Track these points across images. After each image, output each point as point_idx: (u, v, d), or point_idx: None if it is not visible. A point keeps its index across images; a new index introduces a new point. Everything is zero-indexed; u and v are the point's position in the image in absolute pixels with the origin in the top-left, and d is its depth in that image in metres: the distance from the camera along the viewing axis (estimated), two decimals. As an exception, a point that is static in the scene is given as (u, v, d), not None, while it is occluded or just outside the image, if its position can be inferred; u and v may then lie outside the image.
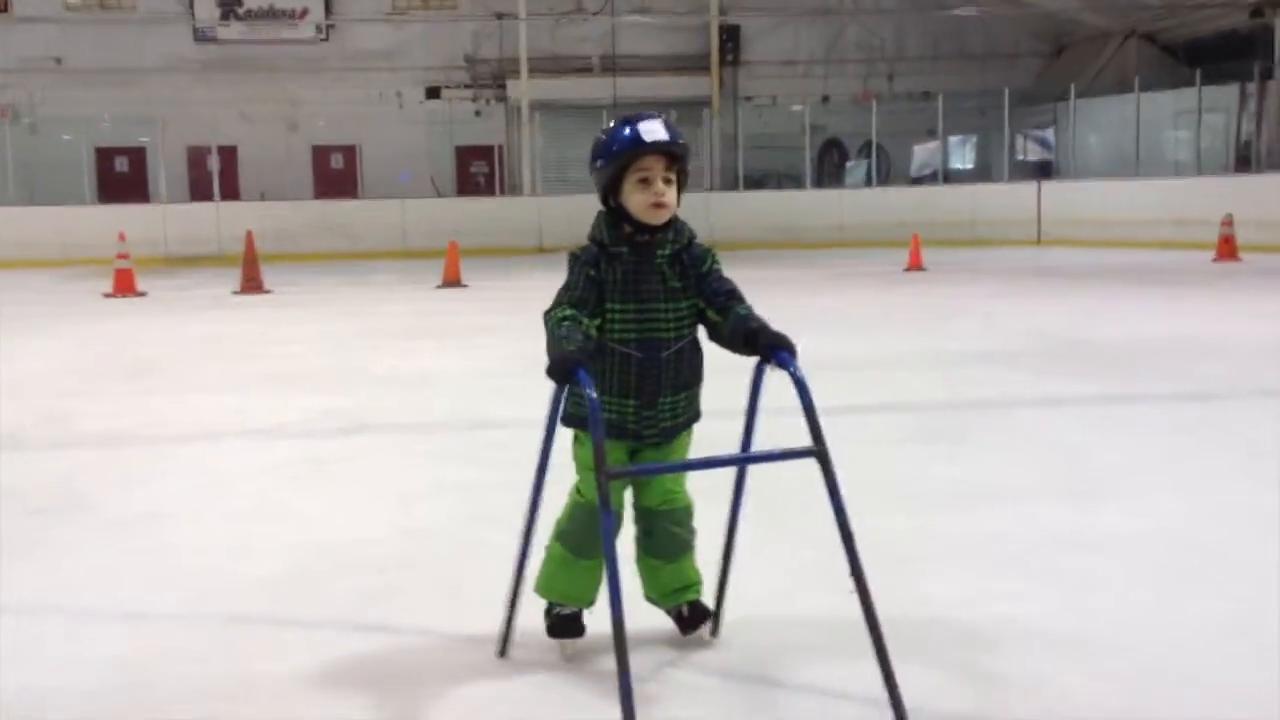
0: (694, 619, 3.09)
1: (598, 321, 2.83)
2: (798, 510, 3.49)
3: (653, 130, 2.82)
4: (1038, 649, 3.02)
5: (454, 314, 12.12)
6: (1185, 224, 18.96)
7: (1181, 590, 3.46)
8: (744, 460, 2.82)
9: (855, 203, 23.51)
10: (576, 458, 3.00)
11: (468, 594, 3.55)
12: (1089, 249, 19.56)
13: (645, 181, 2.82)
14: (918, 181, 26.04)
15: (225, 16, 25.95)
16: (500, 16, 26.11)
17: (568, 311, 2.76)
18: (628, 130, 2.83)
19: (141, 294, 14.57)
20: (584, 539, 2.96)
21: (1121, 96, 22.77)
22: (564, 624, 3.06)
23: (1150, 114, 22.50)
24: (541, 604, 3.10)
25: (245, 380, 7.93)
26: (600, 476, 2.44)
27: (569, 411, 2.95)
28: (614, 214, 2.90)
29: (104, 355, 9.40)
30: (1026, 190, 22.60)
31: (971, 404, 6.51)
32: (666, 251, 2.89)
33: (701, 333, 2.93)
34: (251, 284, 14.86)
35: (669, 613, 3.12)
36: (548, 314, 2.78)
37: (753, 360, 2.79)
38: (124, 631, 3.34)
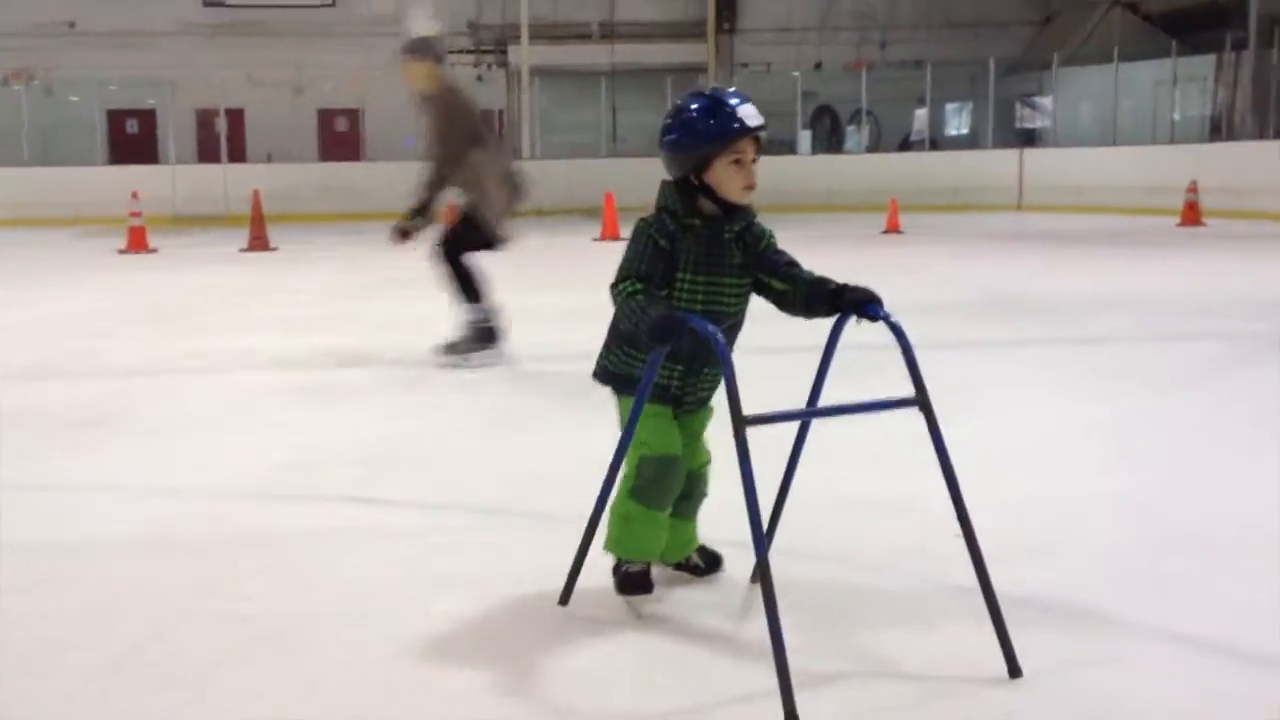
0: (712, 560, 3.27)
1: (664, 293, 2.91)
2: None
3: (752, 115, 2.87)
4: (863, 510, 3.92)
5: (449, 269, 12.90)
6: (1158, 190, 19.65)
7: (993, 473, 4.32)
8: (855, 409, 2.76)
9: (845, 168, 24.18)
10: (624, 415, 3.05)
11: (442, 480, 4.39)
12: (1066, 214, 20.31)
13: (739, 164, 2.89)
14: (905, 148, 26.75)
15: (234, -18, 26.66)
16: (503, -17, 26.82)
17: (638, 285, 2.83)
18: (726, 112, 2.87)
19: (153, 250, 15.39)
20: (656, 491, 3.02)
21: (1104, 66, 23.45)
22: (635, 580, 3.13)
23: (1131, 83, 23.19)
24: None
25: (253, 324, 8.77)
26: (737, 426, 2.45)
27: (605, 368, 3.10)
28: (691, 189, 2.94)
29: (122, 303, 10.23)
30: (1009, 157, 23.30)
31: (892, 346, 7.31)
32: (736, 228, 2.97)
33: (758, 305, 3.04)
34: (258, 241, 15.66)
35: (679, 566, 3.26)
36: (614, 288, 2.87)
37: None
38: (161, 503, 4.17)
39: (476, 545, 3.68)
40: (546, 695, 2.64)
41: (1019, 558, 3.45)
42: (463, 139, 6.64)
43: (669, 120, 2.94)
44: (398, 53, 6.94)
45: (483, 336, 6.73)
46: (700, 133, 2.87)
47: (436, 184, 6.66)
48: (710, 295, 2.94)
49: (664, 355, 2.85)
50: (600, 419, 5.18)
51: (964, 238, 16.20)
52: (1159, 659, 2.81)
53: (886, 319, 2.79)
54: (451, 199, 7.07)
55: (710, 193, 2.92)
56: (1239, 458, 4.62)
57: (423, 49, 6.78)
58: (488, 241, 6.78)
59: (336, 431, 5.25)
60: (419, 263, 13.71)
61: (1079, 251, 13.78)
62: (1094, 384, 6.10)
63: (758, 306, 3.10)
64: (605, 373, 3.10)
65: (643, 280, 2.84)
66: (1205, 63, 22.63)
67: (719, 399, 2.85)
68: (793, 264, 3.01)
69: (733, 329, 3.02)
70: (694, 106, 2.91)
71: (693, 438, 3.12)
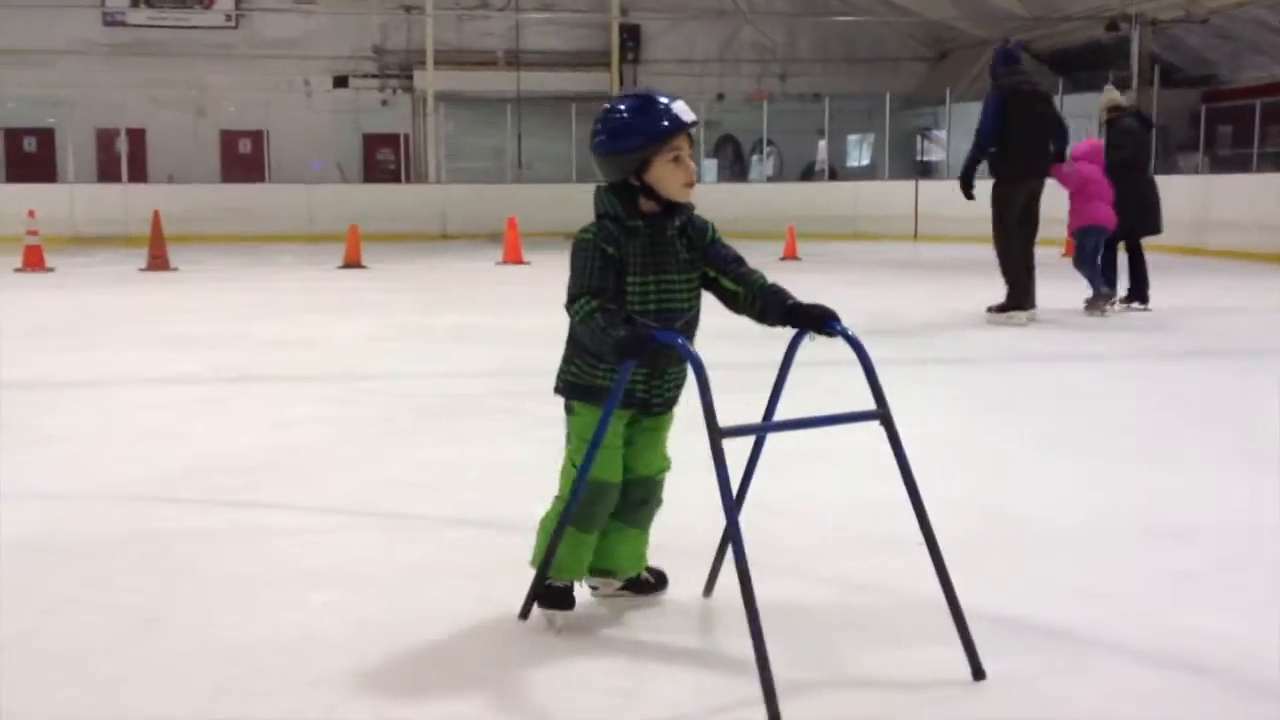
0: (661, 579, 3.26)
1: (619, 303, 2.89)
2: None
3: (686, 111, 2.88)
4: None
5: (349, 290, 13.00)
6: (1047, 222, 20.19)
7: (844, 480, 4.63)
8: (820, 422, 2.80)
9: (749, 196, 24.58)
10: (574, 430, 3.03)
11: (321, 487, 4.55)
12: (958, 244, 20.90)
13: (678, 160, 2.89)
14: (808, 177, 27.36)
15: (135, 2, 26.41)
16: (408, 9, 26.92)
17: (594, 303, 2.81)
18: (660, 109, 2.87)
19: (50, 269, 15.24)
20: (587, 515, 2.99)
21: (995, 101, 24.16)
22: (557, 596, 3.06)
23: (1020, 118, 23.94)
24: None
25: (146, 341, 8.81)
26: (714, 437, 2.52)
27: (567, 381, 3.02)
28: (630, 190, 2.93)
29: (14, 320, 10.16)
30: (906, 188, 23.94)
31: (767, 364, 7.62)
32: (678, 224, 2.96)
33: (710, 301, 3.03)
34: (158, 261, 15.56)
35: (629, 582, 3.22)
36: (570, 307, 2.86)
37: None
38: (44, 506, 4.29)
39: (353, 544, 3.85)
40: (435, 686, 2.84)
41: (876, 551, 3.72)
42: None
43: (600, 124, 2.92)
44: None
45: None
46: (637, 132, 2.85)
47: None
48: (662, 294, 2.92)
49: (633, 368, 2.84)
50: (481, 430, 5.41)
51: (858, 265, 16.66)
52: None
53: (845, 334, 2.85)
54: None
55: (651, 192, 2.90)
56: (1094, 463, 4.95)
57: None
58: None
59: (220, 442, 5.37)
60: (320, 283, 13.95)
61: (962, 279, 14.28)
62: (945, 401, 6.45)
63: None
64: (567, 385, 3.03)
65: (597, 295, 2.82)
66: (1092, 100, 23.44)
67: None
68: (740, 261, 3.02)
69: (689, 324, 3.00)
70: (624, 107, 2.91)
71: (654, 445, 3.10)
